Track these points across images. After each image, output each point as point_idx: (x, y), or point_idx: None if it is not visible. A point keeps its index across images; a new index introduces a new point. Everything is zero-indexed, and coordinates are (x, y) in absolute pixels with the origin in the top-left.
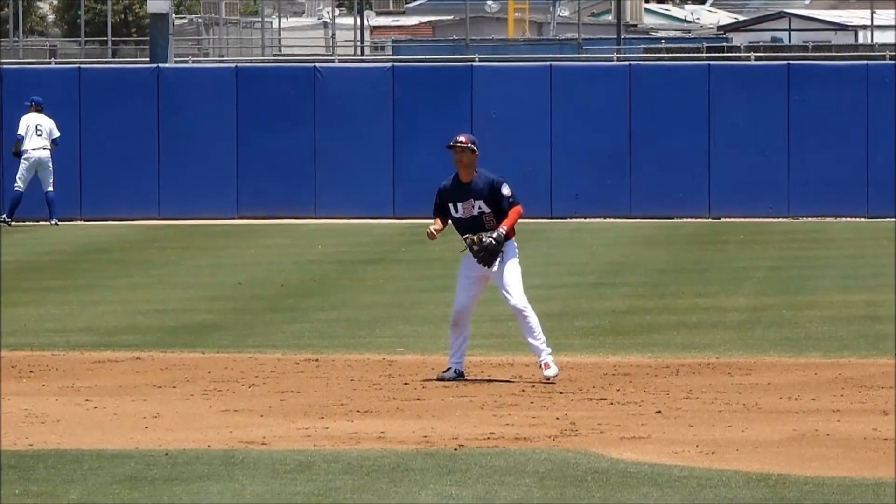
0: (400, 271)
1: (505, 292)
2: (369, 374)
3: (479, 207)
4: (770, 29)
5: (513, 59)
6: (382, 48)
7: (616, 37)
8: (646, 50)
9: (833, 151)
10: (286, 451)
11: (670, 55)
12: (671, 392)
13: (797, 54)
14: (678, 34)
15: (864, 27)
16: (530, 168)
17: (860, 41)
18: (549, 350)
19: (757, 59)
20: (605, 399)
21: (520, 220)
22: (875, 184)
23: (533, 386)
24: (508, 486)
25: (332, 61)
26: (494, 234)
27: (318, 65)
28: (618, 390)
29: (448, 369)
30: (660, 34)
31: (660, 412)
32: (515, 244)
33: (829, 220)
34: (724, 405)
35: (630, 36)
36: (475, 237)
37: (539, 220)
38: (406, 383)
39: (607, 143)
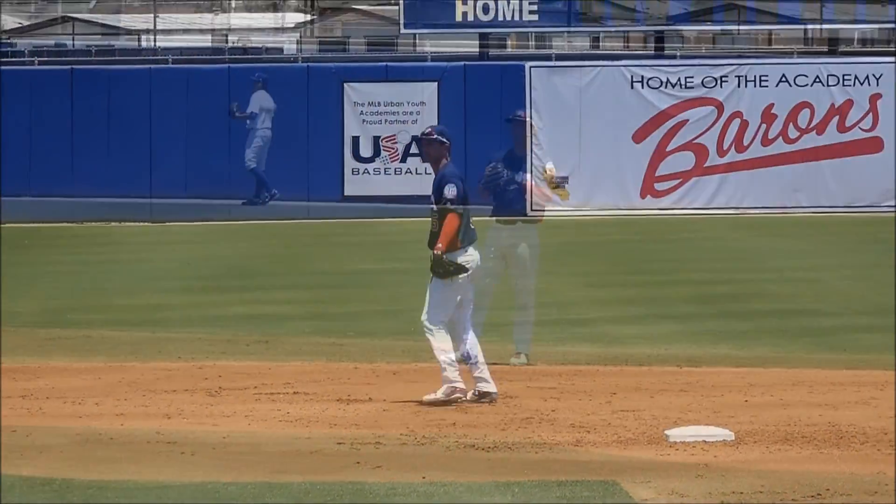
0: None
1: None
2: None
3: (433, 210)
4: (56, 34)
5: None
6: None
7: None
8: None
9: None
10: None
11: None
12: None
13: (83, 59)
14: None
15: (147, 31)
16: None
17: (143, 45)
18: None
19: (41, 63)
20: None
21: None
22: None
23: None
24: None
25: None
26: (433, 256)
27: None
28: None
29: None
30: None
31: None
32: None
33: None
34: (9, 410)
35: None
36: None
37: None
38: None
39: None
